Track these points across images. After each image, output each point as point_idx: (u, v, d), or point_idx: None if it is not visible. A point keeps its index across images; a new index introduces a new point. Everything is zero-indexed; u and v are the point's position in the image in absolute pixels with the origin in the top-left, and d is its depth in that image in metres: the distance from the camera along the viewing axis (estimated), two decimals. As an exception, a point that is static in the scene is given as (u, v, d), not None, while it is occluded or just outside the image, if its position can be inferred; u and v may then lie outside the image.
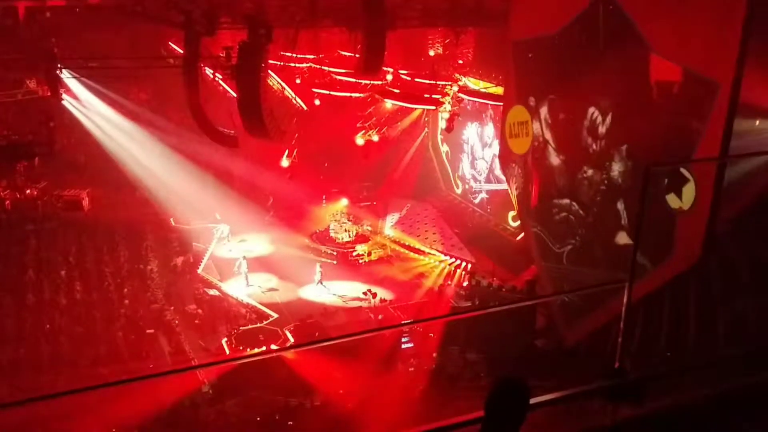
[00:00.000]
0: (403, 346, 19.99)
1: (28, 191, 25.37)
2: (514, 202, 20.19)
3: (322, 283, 24.27)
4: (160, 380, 5.00)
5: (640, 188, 5.04)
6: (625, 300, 5.08)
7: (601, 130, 15.08)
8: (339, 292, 24.10)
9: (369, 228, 28.69)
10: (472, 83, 25.14)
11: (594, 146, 15.39)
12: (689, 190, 12.30)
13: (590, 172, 15.63)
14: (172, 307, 22.47)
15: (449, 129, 25.20)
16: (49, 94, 20.83)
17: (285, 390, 18.25)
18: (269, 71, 19.98)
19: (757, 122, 12.34)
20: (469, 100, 24.97)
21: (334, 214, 28.56)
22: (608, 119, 14.79)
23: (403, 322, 20.53)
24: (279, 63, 21.92)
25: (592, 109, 15.30)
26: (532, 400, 4.22)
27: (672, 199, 12.58)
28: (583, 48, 15.19)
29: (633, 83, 13.93)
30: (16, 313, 20.71)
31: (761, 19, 11.05)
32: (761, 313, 12.78)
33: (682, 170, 12.39)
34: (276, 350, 19.53)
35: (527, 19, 17.21)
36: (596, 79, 14.96)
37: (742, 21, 10.99)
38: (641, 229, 5.24)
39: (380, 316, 21.51)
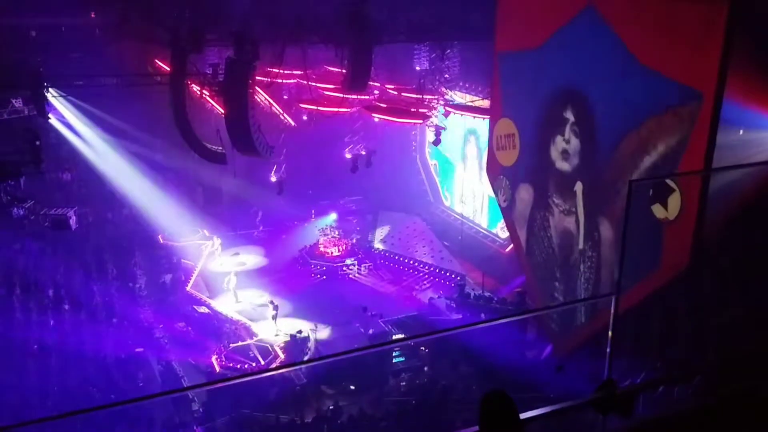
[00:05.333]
0: (395, 360, 19.96)
1: (14, 211, 25.17)
2: (502, 215, 20.25)
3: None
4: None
5: (625, 200, 5.07)
6: (612, 311, 5.12)
7: (584, 139, 15.18)
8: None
9: (358, 242, 28.71)
10: (459, 97, 25.29)
11: (577, 157, 15.48)
12: (675, 200, 12.39)
13: (577, 184, 15.71)
14: (161, 325, 22.34)
15: (437, 142, 25.33)
16: (35, 112, 20.75)
17: (276, 407, 18.16)
18: (256, 87, 20.00)
19: (741, 132, 12.45)
20: (454, 113, 25.12)
21: (323, 228, 28.56)
22: (591, 130, 14.88)
23: (394, 337, 20.48)
24: (266, 79, 21.94)
25: (574, 120, 15.41)
26: (525, 414, 4.24)
27: (658, 210, 12.67)
28: (568, 60, 15.32)
29: (616, 94, 14.06)
30: (3, 333, 20.49)
31: (744, 29, 11.19)
32: (750, 322, 12.84)
33: (668, 180, 12.47)
34: (267, 370, 19.48)
35: (512, 32, 17.34)
36: (577, 89, 15.09)
37: (723, 31, 11.13)
38: (626, 241, 5.28)
39: (371, 331, 21.48)
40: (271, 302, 22.97)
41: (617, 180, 14.24)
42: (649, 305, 13.71)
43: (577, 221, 15.90)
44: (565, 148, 15.66)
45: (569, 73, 15.34)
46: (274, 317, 22.63)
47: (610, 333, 5.27)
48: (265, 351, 21.02)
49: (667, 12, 12.53)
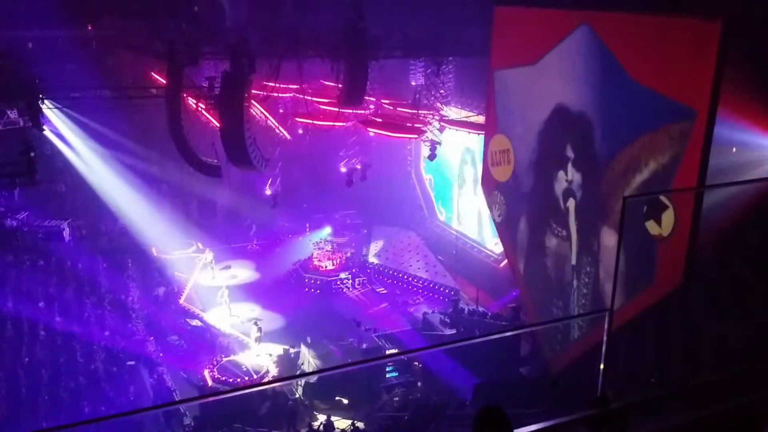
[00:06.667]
0: (388, 375, 19.88)
1: (8, 222, 25.10)
2: (496, 229, 20.28)
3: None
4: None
5: (617, 216, 5.09)
6: (606, 328, 5.12)
7: (581, 156, 15.24)
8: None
9: (352, 255, 28.67)
10: (454, 112, 25.39)
11: (573, 174, 15.54)
12: (668, 217, 12.44)
13: (570, 200, 15.76)
14: (153, 338, 22.20)
15: (432, 157, 25.39)
16: (30, 124, 20.72)
17: (268, 421, 18.07)
18: (252, 101, 20.04)
19: (734, 149, 12.54)
20: (449, 128, 25.21)
21: (318, 242, 28.53)
22: (588, 146, 14.95)
23: (387, 352, 20.42)
24: (262, 93, 22.00)
25: (570, 137, 15.48)
26: (519, 431, 4.24)
27: (651, 226, 12.71)
28: (563, 77, 15.41)
29: (610, 111, 14.14)
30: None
31: (737, 47, 11.29)
32: (744, 337, 12.86)
33: (661, 197, 12.53)
34: (260, 384, 19.36)
35: (507, 49, 17.46)
36: (571, 106, 15.18)
37: (717, 49, 11.23)
38: (620, 257, 5.29)
39: (364, 345, 21.40)
40: (255, 323, 22.68)
41: (610, 196, 14.30)
42: (644, 321, 13.73)
43: (569, 238, 15.94)
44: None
45: (564, 90, 15.43)
46: (258, 339, 22.18)
47: (603, 348, 5.27)
48: (258, 365, 20.92)
49: (660, 30, 12.65)
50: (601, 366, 5.27)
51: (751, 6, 11.62)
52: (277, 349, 21.63)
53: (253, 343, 22.09)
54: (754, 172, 11.99)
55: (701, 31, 11.61)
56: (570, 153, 15.54)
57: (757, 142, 11.91)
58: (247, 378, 20.06)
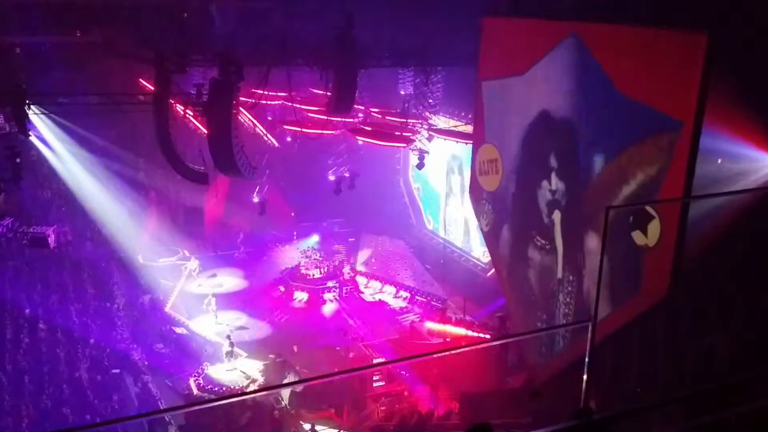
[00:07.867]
0: (375, 384, 19.81)
1: (-8, 228, 24.88)
2: (484, 239, 20.29)
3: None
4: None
5: (603, 227, 5.09)
6: (589, 338, 5.11)
7: (567, 167, 15.28)
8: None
9: (341, 264, 28.59)
10: (442, 122, 25.45)
11: (559, 184, 15.58)
12: (654, 227, 12.47)
13: (556, 211, 15.79)
14: (139, 346, 22.02)
15: (420, 166, 25.40)
16: (16, 129, 20.57)
17: (253, 430, 17.95)
18: (240, 108, 19.98)
19: (720, 160, 12.61)
20: (438, 137, 25.26)
21: (305, 251, 28.46)
22: (574, 157, 15.00)
23: (374, 361, 20.35)
24: (250, 100, 21.94)
25: (557, 147, 15.52)
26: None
27: (638, 236, 12.74)
28: (550, 88, 15.47)
29: (597, 122, 14.20)
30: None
31: (723, 58, 11.37)
32: (730, 348, 12.91)
33: (647, 208, 12.57)
34: (246, 393, 19.26)
35: (496, 59, 17.51)
36: (559, 117, 15.24)
37: (703, 61, 11.31)
38: (603, 268, 5.29)
39: (351, 354, 21.33)
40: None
41: (597, 208, 14.33)
42: (629, 331, 13.76)
43: (555, 249, 15.96)
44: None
45: (551, 100, 15.48)
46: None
47: (586, 359, 5.26)
48: (243, 374, 20.79)
49: (647, 41, 12.72)
50: (584, 376, 5.25)
51: (737, 18, 11.73)
52: (255, 364, 21.38)
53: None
54: (739, 183, 12.05)
55: (688, 43, 11.69)
56: (555, 164, 15.58)
57: (743, 153, 11.98)
58: (233, 387, 19.93)
